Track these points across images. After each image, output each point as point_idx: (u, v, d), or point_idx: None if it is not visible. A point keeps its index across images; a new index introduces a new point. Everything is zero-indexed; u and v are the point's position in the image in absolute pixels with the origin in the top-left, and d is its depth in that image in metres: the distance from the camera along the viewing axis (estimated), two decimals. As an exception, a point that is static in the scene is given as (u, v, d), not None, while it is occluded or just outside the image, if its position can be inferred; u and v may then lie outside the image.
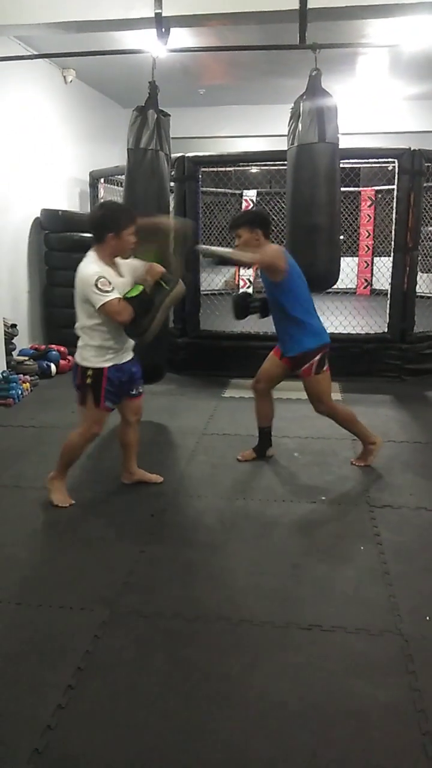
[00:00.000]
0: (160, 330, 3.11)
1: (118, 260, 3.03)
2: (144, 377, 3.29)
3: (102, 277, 2.88)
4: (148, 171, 4.57)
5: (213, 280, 7.51)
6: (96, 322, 2.97)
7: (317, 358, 3.38)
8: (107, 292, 2.88)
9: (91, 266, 2.93)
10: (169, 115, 4.64)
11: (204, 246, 3.67)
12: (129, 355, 3.16)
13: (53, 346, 6.17)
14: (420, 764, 1.62)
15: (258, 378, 3.65)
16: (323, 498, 3.25)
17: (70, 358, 6.17)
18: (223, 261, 3.82)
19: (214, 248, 3.87)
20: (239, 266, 3.66)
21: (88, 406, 3.07)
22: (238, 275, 11.43)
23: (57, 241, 6.32)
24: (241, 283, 11.52)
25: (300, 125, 4.48)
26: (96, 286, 2.86)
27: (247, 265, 3.65)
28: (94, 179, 7.15)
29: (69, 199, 7.30)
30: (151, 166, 4.56)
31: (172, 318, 5.49)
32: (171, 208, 5.17)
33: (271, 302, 3.46)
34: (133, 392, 3.22)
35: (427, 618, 2.23)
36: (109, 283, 2.90)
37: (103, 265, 2.94)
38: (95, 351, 3.02)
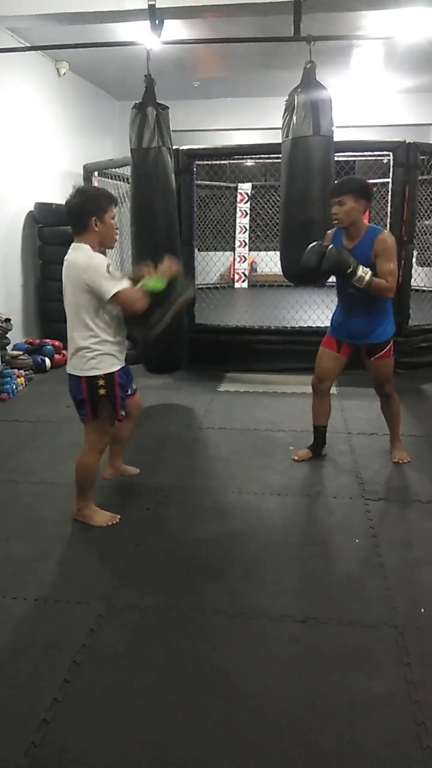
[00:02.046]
0: (178, 320, 2.90)
1: None
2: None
3: (110, 264, 2.61)
4: (152, 170, 4.57)
5: (208, 273, 7.50)
6: (103, 319, 2.67)
7: (392, 341, 3.47)
8: (119, 280, 2.62)
9: (92, 255, 2.62)
10: (168, 108, 4.62)
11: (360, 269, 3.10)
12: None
13: (48, 340, 6.16)
14: (415, 754, 1.63)
15: (321, 378, 3.55)
16: (318, 491, 3.25)
17: (64, 352, 6.15)
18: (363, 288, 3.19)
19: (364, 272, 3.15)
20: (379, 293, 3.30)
21: (102, 418, 2.76)
22: (233, 269, 11.41)
23: (51, 235, 6.29)
24: (236, 276, 11.50)
25: (294, 118, 4.45)
26: (108, 272, 2.58)
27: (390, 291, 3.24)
28: (88, 172, 7.10)
29: (63, 192, 7.16)
30: (156, 166, 4.56)
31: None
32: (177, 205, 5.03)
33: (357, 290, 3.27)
34: (128, 392, 2.96)
35: (422, 610, 2.24)
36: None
37: (100, 255, 2.65)
38: (103, 355, 2.69)
